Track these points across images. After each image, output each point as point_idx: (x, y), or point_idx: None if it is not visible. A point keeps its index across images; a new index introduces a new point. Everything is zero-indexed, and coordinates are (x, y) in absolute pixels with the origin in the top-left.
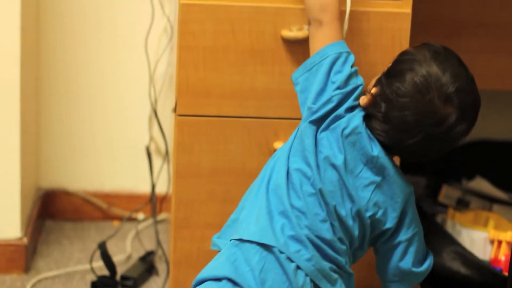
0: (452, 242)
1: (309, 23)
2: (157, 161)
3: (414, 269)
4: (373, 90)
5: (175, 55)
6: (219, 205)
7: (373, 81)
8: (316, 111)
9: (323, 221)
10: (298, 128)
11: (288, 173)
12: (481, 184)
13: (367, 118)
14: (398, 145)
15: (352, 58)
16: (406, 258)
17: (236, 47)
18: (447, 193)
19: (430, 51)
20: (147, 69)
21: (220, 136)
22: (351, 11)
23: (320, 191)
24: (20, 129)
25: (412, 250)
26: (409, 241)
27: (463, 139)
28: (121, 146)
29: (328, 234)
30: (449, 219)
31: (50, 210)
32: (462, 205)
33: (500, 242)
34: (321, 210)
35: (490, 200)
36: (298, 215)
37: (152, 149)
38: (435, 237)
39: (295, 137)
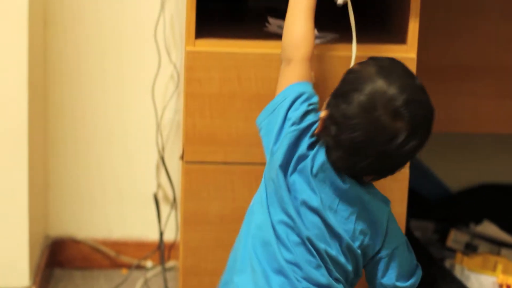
0: (461, 287)
1: (281, 62)
2: (165, 209)
3: (399, 284)
4: (323, 114)
5: (182, 102)
6: (227, 252)
7: (324, 105)
8: (276, 151)
9: (317, 267)
10: (264, 176)
11: (273, 227)
12: (489, 228)
13: (327, 151)
14: (353, 168)
15: (314, 99)
16: (389, 274)
17: (242, 94)
18: (455, 238)
19: (375, 66)
20: (154, 116)
21: (228, 182)
22: (356, 57)
23: (308, 239)
24: (28, 178)
25: (394, 265)
26: (390, 257)
27: (416, 153)
28: (129, 194)
29: (323, 279)
30: (458, 263)
31: (59, 258)
32: (470, 249)
33: (508, 287)
34: (312, 257)
35: (499, 244)
36: (293, 269)
37: (160, 196)
38: (444, 282)
39: (266, 186)
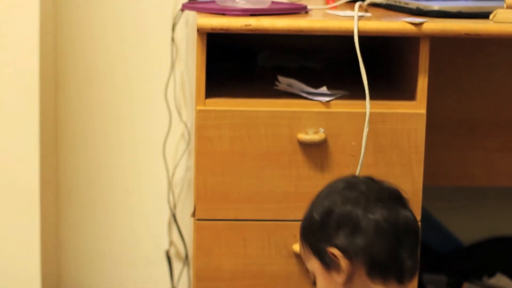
0: None
1: None
2: (177, 266)
3: None
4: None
5: (193, 160)
6: None
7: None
8: None
9: None
10: None
11: None
12: (502, 281)
13: None
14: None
15: None
16: None
17: (252, 151)
18: None
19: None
20: (166, 174)
21: (239, 239)
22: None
23: None
24: (40, 238)
25: None
26: None
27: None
28: (141, 251)
29: None
30: None
31: None
32: None
33: None
34: None
35: None
36: None
37: (172, 253)
38: None
39: None
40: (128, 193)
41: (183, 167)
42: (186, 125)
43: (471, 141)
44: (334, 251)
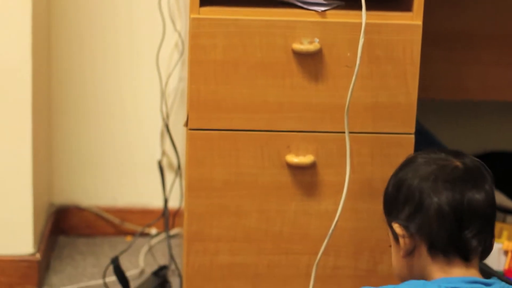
0: None
1: None
2: (169, 176)
3: None
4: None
5: (187, 70)
6: (231, 218)
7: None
8: None
9: None
10: None
11: None
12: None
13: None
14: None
15: None
16: None
17: (246, 61)
18: None
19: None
20: (159, 84)
21: (232, 149)
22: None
23: None
24: (32, 146)
25: None
26: None
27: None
28: (133, 161)
29: None
30: None
31: (63, 226)
32: None
33: None
34: None
35: (504, 212)
36: None
37: (165, 164)
38: None
39: None
40: (121, 103)
41: (176, 78)
42: (180, 35)
43: (467, 54)
44: (396, 226)
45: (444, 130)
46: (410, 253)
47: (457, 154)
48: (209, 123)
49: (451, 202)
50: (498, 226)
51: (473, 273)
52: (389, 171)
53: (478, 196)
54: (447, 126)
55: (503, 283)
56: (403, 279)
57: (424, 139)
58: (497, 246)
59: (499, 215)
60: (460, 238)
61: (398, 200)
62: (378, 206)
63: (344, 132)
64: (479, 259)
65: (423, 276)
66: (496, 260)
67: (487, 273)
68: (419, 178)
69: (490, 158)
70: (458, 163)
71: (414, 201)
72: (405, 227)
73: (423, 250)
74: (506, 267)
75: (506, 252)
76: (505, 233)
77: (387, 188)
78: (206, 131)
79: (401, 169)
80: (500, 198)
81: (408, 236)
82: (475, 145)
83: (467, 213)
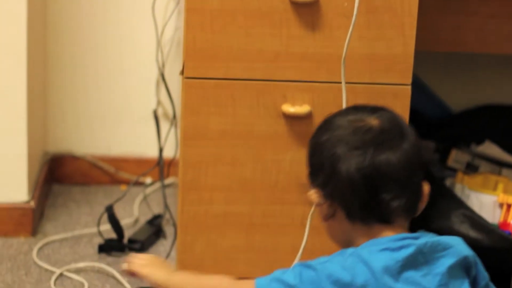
0: (461, 205)
1: None
2: (164, 125)
3: None
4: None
5: (183, 18)
6: (227, 167)
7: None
8: None
9: None
10: None
11: None
12: (490, 148)
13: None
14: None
15: None
16: None
17: (243, 9)
18: (456, 158)
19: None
20: (155, 33)
21: (228, 99)
22: None
23: None
24: (27, 94)
25: None
26: None
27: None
28: (128, 111)
29: None
30: (458, 183)
31: (58, 174)
32: (471, 169)
33: (509, 206)
34: None
35: (500, 164)
36: None
37: (160, 113)
38: (444, 200)
39: None
40: (117, 52)
41: (172, 27)
42: None
43: (465, 6)
44: (312, 192)
45: (441, 83)
46: (330, 218)
47: (376, 111)
48: (205, 72)
49: (360, 168)
50: (493, 179)
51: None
52: None
53: (392, 157)
54: (443, 79)
55: (430, 235)
56: (336, 242)
57: (421, 92)
58: (492, 199)
59: (494, 168)
60: (377, 202)
61: (314, 166)
62: None
63: (340, 83)
64: (407, 219)
65: (350, 240)
66: (491, 213)
67: (482, 226)
68: (331, 144)
69: (486, 111)
70: (374, 122)
71: (327, 168)
72: (322, 194)
73: (342, 216)
74: (501, 220)
75: (501, 205)
76: (500, 186)
77: (307, 152)
78: (202, 79)
79: (316, 133)
80: (496, 151)
81: (324, 202)
82: (470, 98)
83: (379, 178)
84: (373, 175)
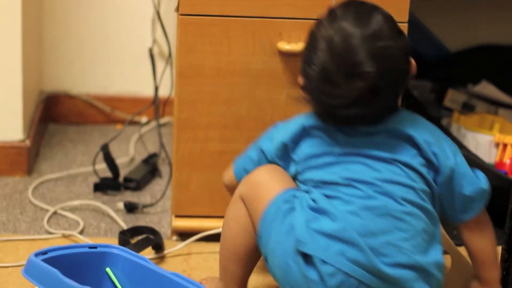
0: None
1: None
2: (160, 64)
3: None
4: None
5: None
6: (222, 105)
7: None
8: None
9: None
10: None
11: None
12: (486, 88)
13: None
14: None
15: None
16: None
17: None
18: (453, 97)
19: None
20: None
21: (223, 36)
22: None
23: None
24: (21, 32)
25: None
26: None
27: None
28: (124, 49)
29: None
30: (454, 122)
31: (53, 113)
32: (467, 109)
33: (505, 146)
34: None
35: (496, 104)
36: None
37: (155, 52)
38: None
39: None
40: None
41: None
42: None
43: None
44: (299, 77)
45: (438, 23)
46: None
47: (370, 15)
48: (201, 8)
49: (328, 71)
50: (489, 118)
51: None
52: None
53: (369, 68)
54: (440, 19)
55: None
56: None
57: (417, 31)
58: (488, 138)
59: (490, 108)
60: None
61: (303, 53)
62: None
63: None
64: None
65: None
66: (487, 152)
67: (478, 165)
68: (317, 42)
69: (482, 51)
70: (359, 31)
71: (305, 59)
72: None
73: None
74: (497, 159)
75: (497, 145)
76: (496, 126)
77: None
78: (198, 16)
79: (316, 22)
80: (492, 91)
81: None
82: (467, 38)
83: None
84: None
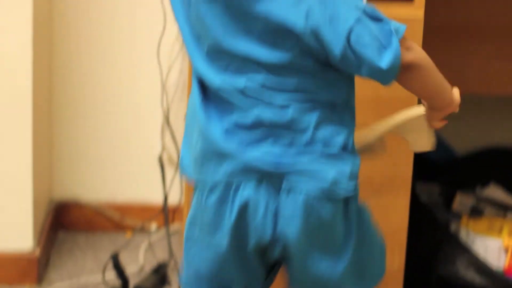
0: (466, 251)
1: None
2: (169, 171)
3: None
4: None
5: (187, 62)
6: None
7: None
8: None
9: None
10: None
11: None
12: (495, 192)
13: None
14: None
15: None
16: None
17: None
18: (461, 201)
19: None
20: (160, 77)
21: None
22: None
23: None
24: (32, 140)
25: None
26: None
27: None
28: (133, 156)
29: None
30: (463, 227)
31: (63, 221)
32: (476, 213)
33: None
34: None
35: (504, 208)
36: None
37: (165, 158)
38: (449, 246)
39: None
40: (122, 96)
41: (177, 70)
42: None
43: (468, 47)
44: None
45: (445, 125)
46: None
47: None
48: None
49: None
50: (498, 222)
51: None
52: None
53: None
54: (447, 121)
55: None
56: None
57: None
58: (497, 243)
59: (499, 211)
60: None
61: None
62: None
63: None
64: None
65: None
66: (496, 257)
67: (487, 271)
68: None
69: (490, 154)
70: None
71: None
72: None
73: None
74: (506, 265)
75: (506, 249)
76: (505, 230)
77: None
78: None
79: None
80: (501, 195)
81: None
82: (475, 140)
83: None
84: None
